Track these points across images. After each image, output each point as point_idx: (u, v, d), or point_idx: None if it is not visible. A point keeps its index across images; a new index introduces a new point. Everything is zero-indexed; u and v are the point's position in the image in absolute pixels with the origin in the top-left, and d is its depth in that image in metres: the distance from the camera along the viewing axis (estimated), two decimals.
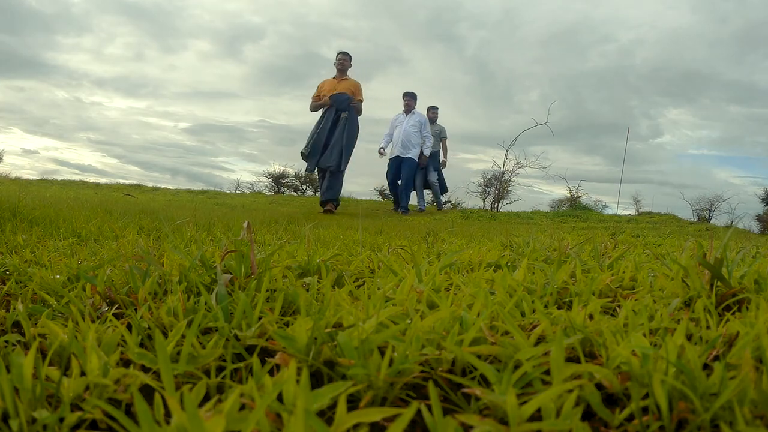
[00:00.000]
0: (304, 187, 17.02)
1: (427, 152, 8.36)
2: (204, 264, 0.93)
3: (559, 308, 0.84)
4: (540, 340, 0.63)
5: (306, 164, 6.92)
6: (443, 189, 9.45)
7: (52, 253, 1.24)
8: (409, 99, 8.35)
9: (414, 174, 8.41)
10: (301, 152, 6.82)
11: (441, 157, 9.25)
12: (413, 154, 8.24)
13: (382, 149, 8.34)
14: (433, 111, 9.15)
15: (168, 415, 0.44)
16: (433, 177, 9.00)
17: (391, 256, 1.31)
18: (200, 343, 0.61)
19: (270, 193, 14.97)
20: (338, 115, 6.86)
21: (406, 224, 4.31)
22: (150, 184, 11.23)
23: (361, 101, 6.99)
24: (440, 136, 9.07)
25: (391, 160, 8.39)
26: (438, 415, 0.41)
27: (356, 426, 0.44)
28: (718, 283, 0.85)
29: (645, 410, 0.49)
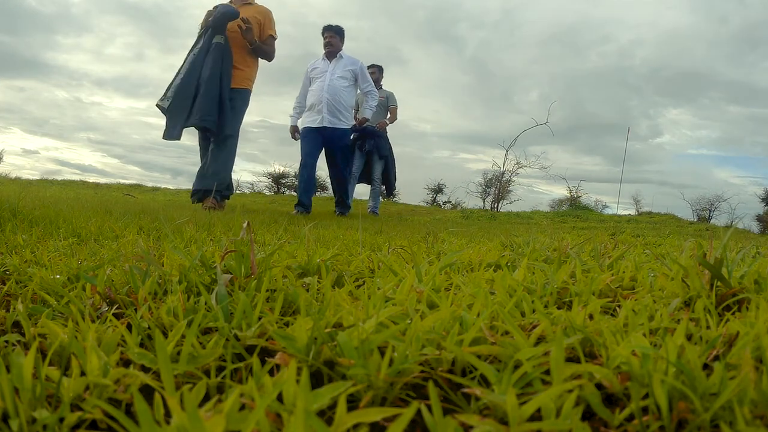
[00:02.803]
0: None
1: (368, 114, 5.25)
2: (204, 264, 0.93)
3: (559, 308, 0.84)
4: (540, 340, 0.63)
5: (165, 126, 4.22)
6: (390, 187, 6.67)
7: (52, 253, 1.24)
8: (332, 35, 5.03)
9: (349, 154, 5.42)
10: (157, 104, 4.28)
11: (387, 123, 6.60)
12: (346, 121, 5.06)
13: (294, 129, 5.14)
14: (374, 71, 6.27)
15: (168, 415, 0.44)
16: (377, 170, 6.31)
17: (391, 256, 1.31)
18: (200, 343, 0.61)
19: (270, 193, 14.99)
20: (211, 42, 4.27)
21: (406, 224, 4.31)
22: (150, 184, 11.25)
23: (273, 37, 4.54)
24: (387, 104, 6.53)
25: (306, 130, 5.05)
26: (438, 415, 0.41)
27: (356, 426, 0.44)
28: (718, 283, 0.85)
29: (645, 410, 0.49)
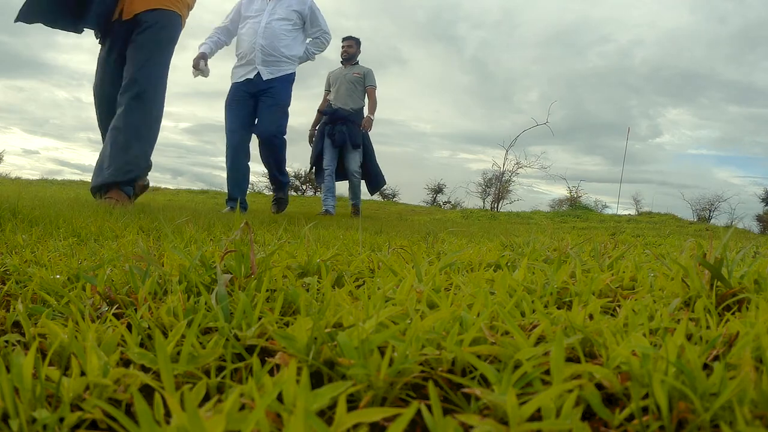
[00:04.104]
0: (304, 187, 17.00)
1: (314, 52, 4.07)
2: (204, 264, 0.93)
3: (559, 308, 0.84)
4: (540, 340, 0.63)
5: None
6: (379, 182, 5.64)
7: (52, 253, 1.24)
8: None
9: (285, 118, 3.90)
10: None
11: (365, 113, 5.45)
12: (285, 74, 3.78)
13: (201, 61, 3.69)
14: (351, 44, 5.38)
15: (168, 415, 0.44)
16: (354, 162, 5.29)
17: (391, 256, 1.31)
18: (200, 343, 0.61)
19: (270, 193, 14.95)
20: None
21: (406, 224, 4.31)
22: (150, 185, 11.21)
23: None
24: (364, 83, 5.39)
25: (233, 91, 3.86)
26: (438, 415, 0.41)
27: (356, 426, 0.44)
28: (718, 283, 0.85)
29: (645, 410, 0.49)
